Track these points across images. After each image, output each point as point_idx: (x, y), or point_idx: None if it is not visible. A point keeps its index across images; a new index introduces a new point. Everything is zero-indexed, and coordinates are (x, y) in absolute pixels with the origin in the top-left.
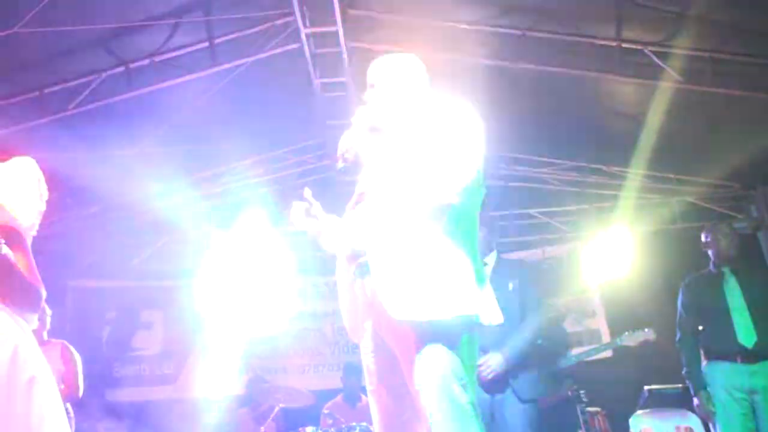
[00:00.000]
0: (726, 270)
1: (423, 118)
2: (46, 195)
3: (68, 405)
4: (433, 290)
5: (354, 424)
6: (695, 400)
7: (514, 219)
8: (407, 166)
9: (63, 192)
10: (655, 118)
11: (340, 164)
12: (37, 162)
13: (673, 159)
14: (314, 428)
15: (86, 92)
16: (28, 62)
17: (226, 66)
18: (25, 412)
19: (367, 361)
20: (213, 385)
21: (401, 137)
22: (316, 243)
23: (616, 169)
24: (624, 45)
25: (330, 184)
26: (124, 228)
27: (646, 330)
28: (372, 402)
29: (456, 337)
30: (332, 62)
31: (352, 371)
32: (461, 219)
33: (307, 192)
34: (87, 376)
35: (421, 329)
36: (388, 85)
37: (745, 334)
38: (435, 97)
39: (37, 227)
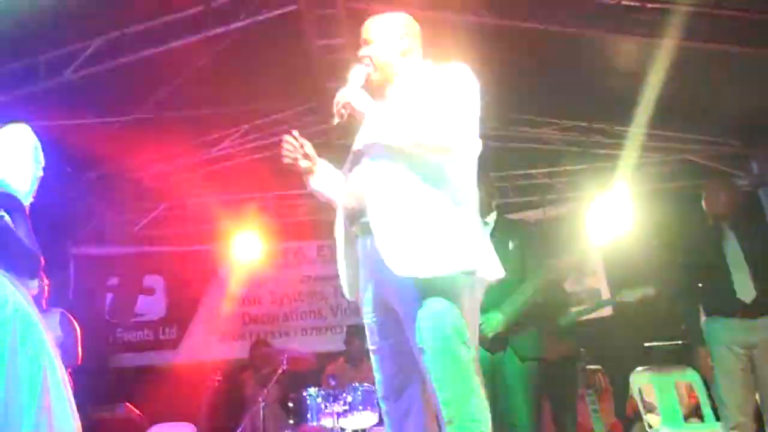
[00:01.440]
0: (725, 226)
1: (418, 75)
2: (43, 161)
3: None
4: (435, 246)
5: (356, 384)
6: (694, 356)
7: (514, 179)
8: (404, 118)
9: (62, 159)
10: (656, 77)
11: (335, 119)
12: (36, 129)
13: (673, 117)
14: (317, 390)
15: (83, 57)
16: (24, 28)
17: (223, 29)
18: (24, 363)
19: (369, 320)
20: (215, 349)
21: (397, 94)
22: (305, 182)
23: (617, 128)
24: (624, 2)
25: (330, 147)
26: (124, 194)
27: (645, 287)
28: (374, 361)
29: (458, 293)
30: (330, 24)
31: (355, 333)
32: (460, 175)
33: (296, 133)
34: (90, 342)
35: (423, 285)
36: (383, 42)
37: (744, 289)
38: (430, 55)
39: (34, 194)
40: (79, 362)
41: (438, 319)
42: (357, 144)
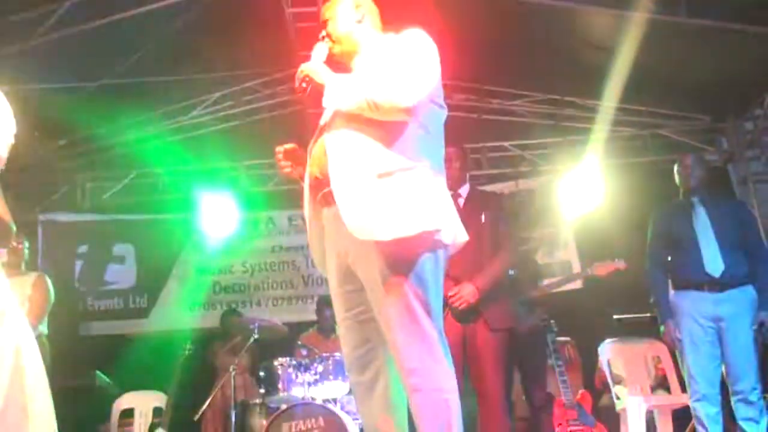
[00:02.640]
0: (695, 200)
1: (379, 43)
2: (14, 129)
3: (43, 332)
4: (395, 208)
5: (327, 354)
6: (662, 329)
7: (487, 152)
8: (359, 82)
9: (31, 125)
10: (628, 50)
11: (297, 86)
12: (4, 93)
13: (645, 92)
14: (288, 359)
15: (51, 21)
16: None
17: None
18: None
19: (334, 291)
20: (186, 318)
21: (361, 63)
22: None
23: (590, 101)
24: None
25: (303, 116)
26: (93, 161)
27: (616, 260)
28: (342, 331)
29: (422, 261)
30: None
31: (326, 303)
32: (422, 138)
33: (285, 147)
34: (60, 310)
35: (385, 252)
36: (339, 16)
37: (713, 263)
38: (399, 27)
39: (5, 162)
40: (37, 323)
41: (400, 287)
42: (323, 118)
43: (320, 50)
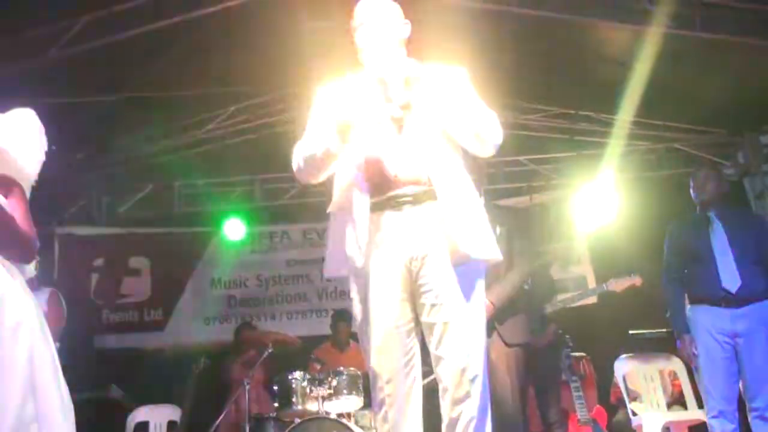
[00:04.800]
0: (711, 215)
1: (440, 77)
2: (45, 146)
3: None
4: (488, 231)
5: (341, 368)
6: (678, 344)
7: (502, 166)
8: (466, 108)
9: (48, 139)
10: (644, 64)
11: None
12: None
13: (660, 105)
14: (302, 373)
15: (68, 36)
16: (9, 6)
17: (211, 9)
18: (10, 354)
19: (390, 297)
20: (201, 331)
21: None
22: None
23: (604, 115)
24: None
25: None
26: (110, 175)
27: (632, 275)
28: (387, 339)
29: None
30: (321, 6)
31: (341, 317)
32: (478, 163)
33: None
34: (75, 323)
35: (473, 266)
36: (376, 26)
37: (730, 278)
38: (422, 39)
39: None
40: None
41: (479, 296)
42: (391, 113)
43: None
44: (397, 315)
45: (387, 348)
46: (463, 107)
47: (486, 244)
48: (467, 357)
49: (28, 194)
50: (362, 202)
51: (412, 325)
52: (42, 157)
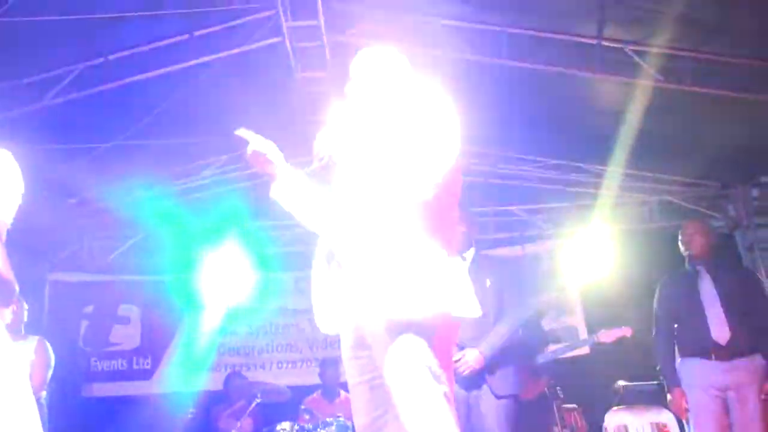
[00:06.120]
0: (701, 268)
1: (400, 113)
2: (22, 189)
3: (42, 395)
4: (409, 287)
5: (330, 419)
6: (669, 397)
7: (494, 215)
8: (383, 161)
9: (39, 184)
10: (634, 117)
11: (315, 164)
12: (15, 153)
13: (652, 157)
14: (291, 423)
15: (64, 83)
16: (5, 51)
17: (207, 59)
18: None
19: (347, 355)
20: (190, 380)
21: (378, 133)
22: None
23: (597, 167)
24: (605, 43)
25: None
26: (101, 222)
27: (623, 327)
28: (354, 396)
29: (432, 331)
30: (314, 57)
31: (330, 366)
32: (437, 213)
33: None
34: (64, 371)
35: (396, 324)
36: (369, 79)
37: (719, 331)
38: (414, 91)
39: (12, 220)
40: (39, 390)
41: (409, 353)
42: (338, 181)
43: (340, 112)
44: (355, 371)
45: (355, 404)
46: (382, 169)
47: (393, 302)
48: (409, 420)
49: (3, 237)
50: (319, 263)
51: (381, 381)
52: (18, 200)
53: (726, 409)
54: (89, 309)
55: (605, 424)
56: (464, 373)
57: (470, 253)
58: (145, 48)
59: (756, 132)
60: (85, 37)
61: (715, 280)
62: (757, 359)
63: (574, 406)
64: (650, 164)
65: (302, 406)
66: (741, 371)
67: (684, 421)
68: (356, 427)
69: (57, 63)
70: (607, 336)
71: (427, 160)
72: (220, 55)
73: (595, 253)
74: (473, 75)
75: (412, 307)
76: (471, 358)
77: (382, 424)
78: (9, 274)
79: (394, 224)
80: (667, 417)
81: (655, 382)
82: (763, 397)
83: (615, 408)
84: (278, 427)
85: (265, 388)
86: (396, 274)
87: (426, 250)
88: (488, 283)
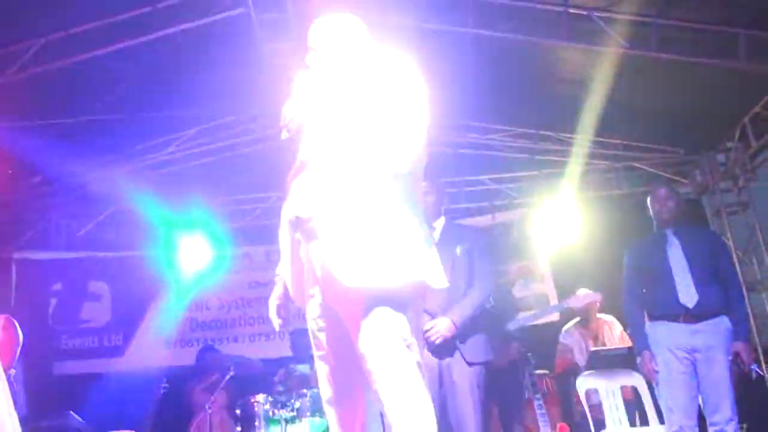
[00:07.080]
0: (669, 232)
1: (367, 82)
2: None
3: (12, 373)
4: (382, 257)
5: (305, 390)
6: (639, 360)
7: (464, 185)
8: (355, 132)
9: (3, 163)
10: (601, 84)
11: (284, 134)
12: None
13: (619, 125)
14: (266, 396)
15: (24, 58)
16: None
17: (171, 31)
18: None
19: (313, 326)
20: (162, 355)
21: (345, 102)
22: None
23: (565, 135)
24: (571, 10)
25: (277, 152)
26: (68, 199)
27: (593, 292)
28: (319, 368)
29: (404, 301)
30: (279, 27)
31: (301, 337)
32: (408, 184)
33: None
34: (34, 349)
35: (369, 294)
36: (330, 48)
37: (687, 294)
38: (378, 58)
39: None
40: (8, 368)
41: (380, 324)
42: (302, 154)
43: (303, 81)
44: (319, 342)
45: (321, 373)
46: (352, 136)
47: (366, 272)
48: (379, 388)
49: None
50: (283, 237)
51: (346, 350)
52: None
53: (694, 371)
54: (58, 286)
55: (576, 388)
56: (436, 342)
57: (440, 222)
58: (107, 21)
59: (721, 98)
60: (46, 9)
61: (683, 244)
62: (724, 321)
63: (546, 371)
64: (617, 131)
65: (276, 379)
66: (708, 334)
67: (654, 384)
68: (323, 400)
69: (17, 37)
70: (577, 301)
71: (405, 132)
72: (184, 26)
73: (563, 221)
74: (440, 45)
75: (387, 277)
76: (443, 327)
77: (350, 389)
78: None
79: (368, 195)
80: (637, 380)
81: (625, 347)
82: (730, 358)
83: (586, 372)
84: (252, 400)
85: (238, 361)
86: (371, 244)
87: (399, 220)
88: (459, 251)
